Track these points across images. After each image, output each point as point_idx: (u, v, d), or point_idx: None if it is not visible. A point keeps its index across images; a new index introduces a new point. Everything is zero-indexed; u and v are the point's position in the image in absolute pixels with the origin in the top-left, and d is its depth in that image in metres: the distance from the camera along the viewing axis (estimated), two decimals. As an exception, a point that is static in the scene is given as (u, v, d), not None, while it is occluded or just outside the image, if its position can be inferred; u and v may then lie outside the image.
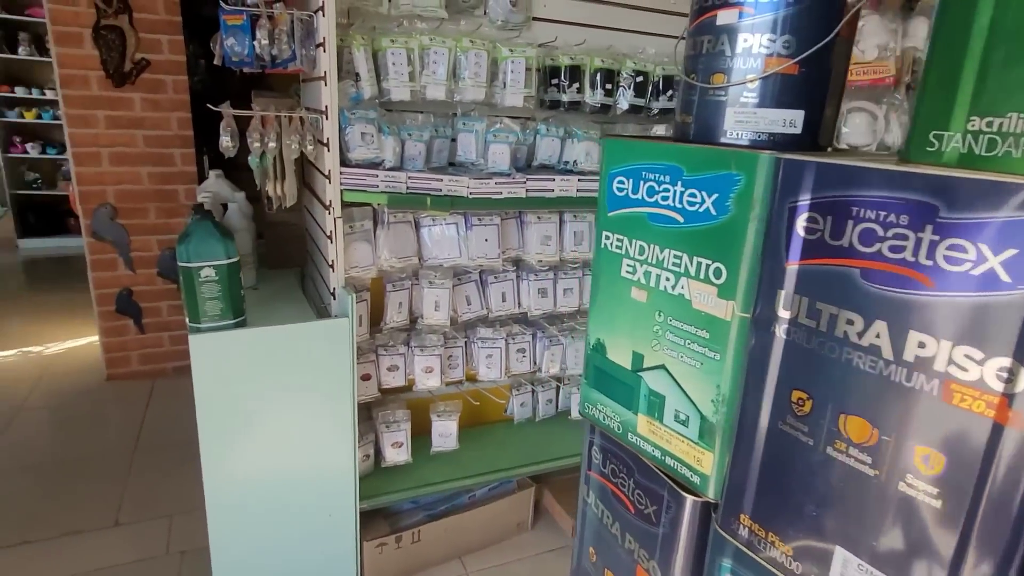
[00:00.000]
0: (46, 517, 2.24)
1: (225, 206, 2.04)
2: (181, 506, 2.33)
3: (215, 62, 1.68)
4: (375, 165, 1.75)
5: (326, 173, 1.66)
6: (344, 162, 1.70)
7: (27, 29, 5.39)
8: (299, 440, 1.73)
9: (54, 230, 5.76)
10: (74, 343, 3.73)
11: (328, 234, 1.72)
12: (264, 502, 1.73)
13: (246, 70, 1.74)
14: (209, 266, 1.52)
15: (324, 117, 1.62)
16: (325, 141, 1.64)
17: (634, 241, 1.00)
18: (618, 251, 1.03)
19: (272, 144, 1.59)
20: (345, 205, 1.72)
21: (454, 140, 1.94)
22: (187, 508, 2.32)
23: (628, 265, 1.02)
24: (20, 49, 5.38)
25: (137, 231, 3.17)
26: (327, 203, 1.69)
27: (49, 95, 5.55)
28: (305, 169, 2.08)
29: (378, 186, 1.73)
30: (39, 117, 5.56)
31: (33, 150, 5.62)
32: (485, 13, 1.95)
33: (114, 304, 3.21)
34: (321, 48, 1.59)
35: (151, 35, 2.97)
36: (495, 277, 2.13)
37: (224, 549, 1.70)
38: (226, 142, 1.61)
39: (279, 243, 2.30)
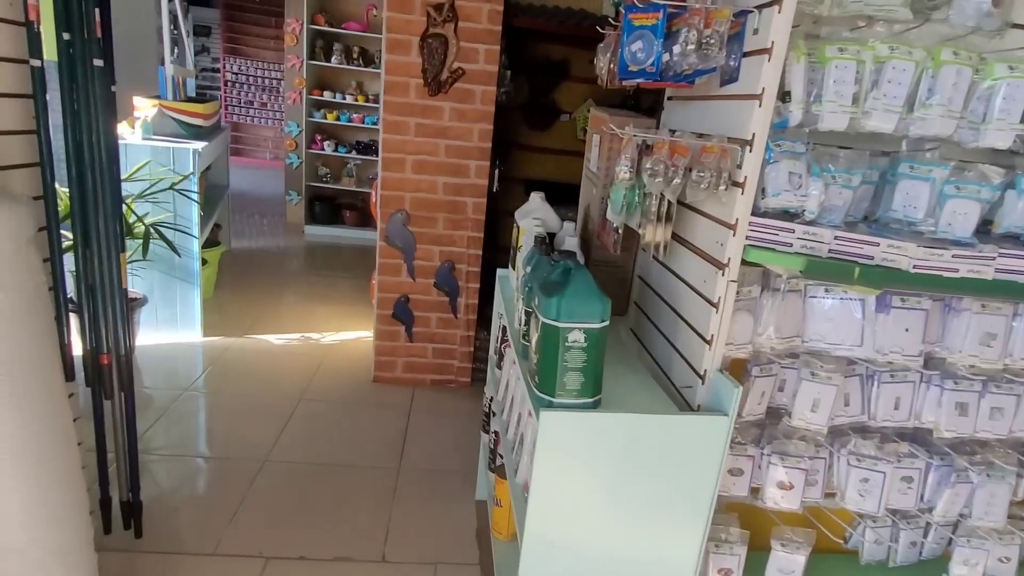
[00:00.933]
0: (320, 535, 2.18)
1: (546, 239, 1.74)
2: (445, 552, 2.13)
3: (600, 78, 1.36)
4: (790, 216, 1.29)
5: (731, 222, 1.25)
6: (753, 209, 1.27)
7: (340, 40, 6.01)
8: (634, 537, 1.35)
9: (332, 220, 6.36)
10: (346, 335, 3.90)
11: (713, 300, 1.30)
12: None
13: (630, 83, 1.40)
14: (580, 328, 1.19)
15: (747, 149, 1.20)
16: (741, 180, 1.22)
17: None
18: None
19: (676, 179, 1.21)
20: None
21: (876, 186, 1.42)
22: (451, 557, 2.11)
23: None
24: (333, 58, 6.01)
25: (423, 240, 3.14)
26: (723, 260, 1.27)
27: (348, 99, 6.13)
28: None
29: (792, 244, 1.27)
30: (337, 119, 6.17)
31: (328, 147, 6.26)
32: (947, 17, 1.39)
33: (391, 309, 3.22)
34: (763, 57, 1.17)
35: (470, 44, 2.89)
36: (891, 375, 1.55)
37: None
38: (624, 173, 1.27)
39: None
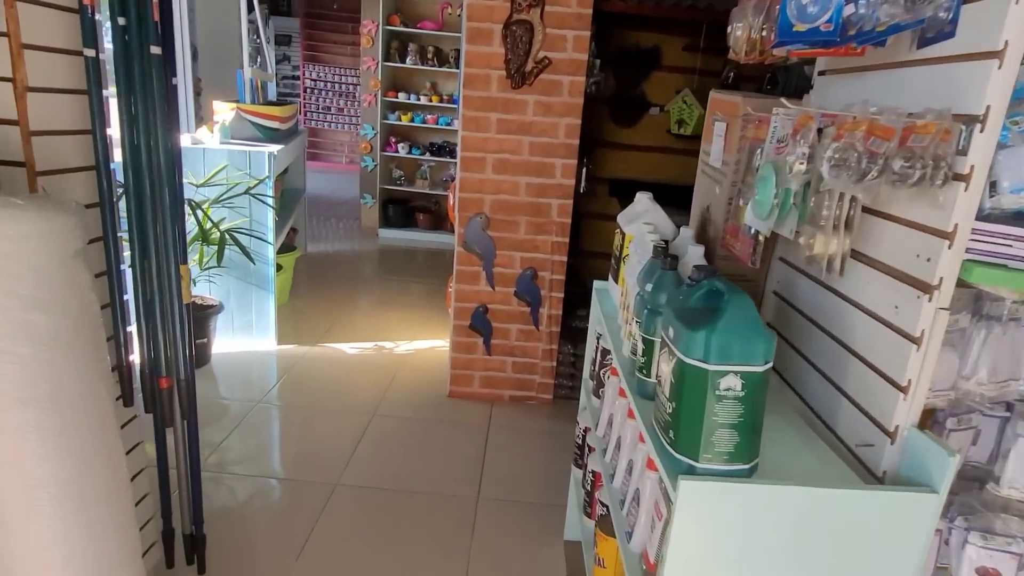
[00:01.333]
0: (398, 567, 1.96)
1: (667, 251, 1.43)
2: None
3: (733, 52, 1.06)
4: (1027, 220, 0.95)
5: (947, 230, 0.91)
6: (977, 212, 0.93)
7: (415, 40, 5.90)
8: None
9: (405, 224, 6.26)
10: (420, 344, 3.72)
11: (912, 334, 0.97)
12: None
13: (790, 50, 1.09)
14: (737, 373, 0.89)
15: (977, 127, 0.87)
16: (965, 171, 0.89)
17: None
18: None
19: (874, 172, 0.89)
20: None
21: None
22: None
23: None
24: (407, 59, 5.91)
25: (503, 245, 2.90)
26: (930, 281, 0.94)
27: (423, 100, 6.01)
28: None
29: (1032, 260, 0.92)
30: (412, 120, 6.06)
31: (402, 149, 6.16)
32: None
33: (469, 320, 3.00)
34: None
35: (557, 30, 2.63)
36: None
37: None
38: (800, 163, 0.96)
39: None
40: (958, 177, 0.90)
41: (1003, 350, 1.06)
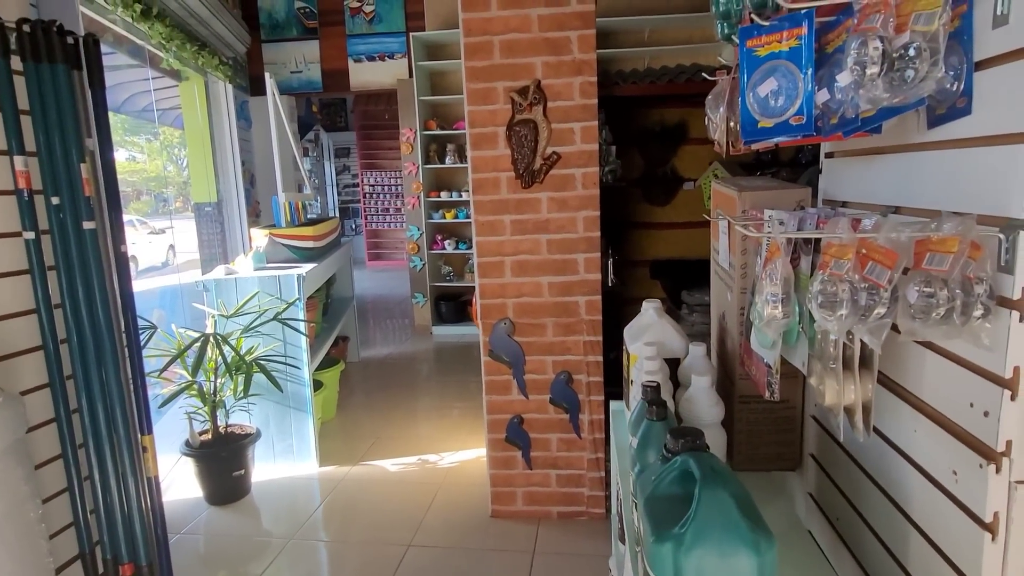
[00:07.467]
0: None
1: (658, 397, 1.17)
2: None
3: (714, 140, 0.87)
4: None
5: (1003, 375, 0.65)
6: (1047, 344, 0.66)
7: (454, 141, 6.06)
8: None
9: (458, 319, 6.21)
10: (466, 454, 3.51)
11: (983, 518, 0.68)
12: None
13: (764, 146, 0.88)
14: (723, 603, 0.64)
15: (1022, 234, 0.62)
16: (1015, 295, 0.63)
17: None
18: None
19: (879, 308, 0.65)
20: None
21: None
22: None
23: None
24: (447, 159, 6.06)
25: (532, 350, 2.70)
26: (997, 446, 0.66)
27: (465, 196, 6.09)
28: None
29: None
30: (456, 217, 6.13)
31: (449, 246, 6.21)
32: None
33: (504, 432, 2.78)
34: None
35: (564, 124, 2.53)
36: None
37: None
38: (771, 307, 0.74)
39: (744, 431, 1.36)
40: (1006, 303, 0.64)
41: None
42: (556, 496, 2.81)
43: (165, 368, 2.67)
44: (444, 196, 6.10)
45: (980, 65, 0.70)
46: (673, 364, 1.34)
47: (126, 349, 1.33)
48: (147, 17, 3.71)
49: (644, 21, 3.92)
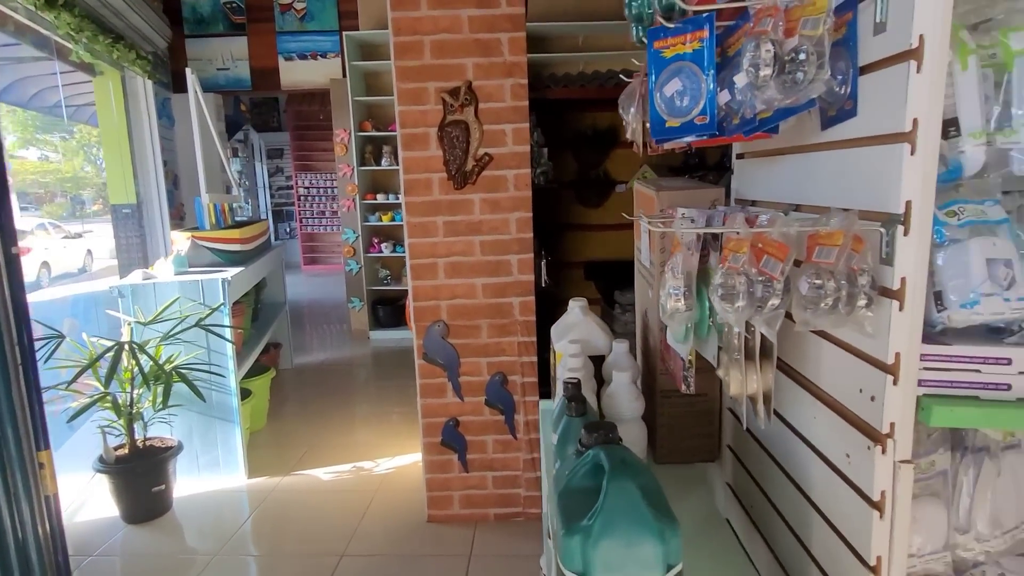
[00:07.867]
0: None
1: (578, 394, 1.18)
2: None
3: (635, 145, 0.89)
4: (997, 334, 0.72)
5: (886, 361, 0.69)
6: (925, 332, 0.71)
7: (389, 143, 5.97)
8: None
9: (397, 323, 6.11)
10: (403, 460, 3.45)
11: (871, 497, 0.72)
12: None
13: (675, 145, 0.91)
14: (631, 592, 0.65)
15: (900, 228, 0.66)
16: (895, 286, 0.67)
17: None
18: None
19: (774, 300, 0.68)
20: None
21: None
22: None
23: None
24: (383, 161, 5.96)
25: (467, 352, 2.69)
26: (882, 428, 0.70)
27: (403, 199, 6.01)
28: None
29: (1011, 387, 0.69)
30: (393, 219, 6.04)
31: (386, 249, 6.11)
32: None
33: (440, 436, 2.75)
34: (904, 66, 0.65)
35: (495, 126, 2.53)
36: None
37: None
38: (674, 300, 0.76)
39: (666, 425, 1.40)
40: (887, 293, 0.68)
41: (1003, 490, 0.81)
42: (493, 498, 2.80)
43: (74, 380, 2.50)
44: (380, 198, 6.01)
45: (864, 70, 0.74)
46: (598, 361, 1.36)
47: (19, 361, 1.23)
48: (52, 6, 3.47)
49: (579, 27, 3.98)
